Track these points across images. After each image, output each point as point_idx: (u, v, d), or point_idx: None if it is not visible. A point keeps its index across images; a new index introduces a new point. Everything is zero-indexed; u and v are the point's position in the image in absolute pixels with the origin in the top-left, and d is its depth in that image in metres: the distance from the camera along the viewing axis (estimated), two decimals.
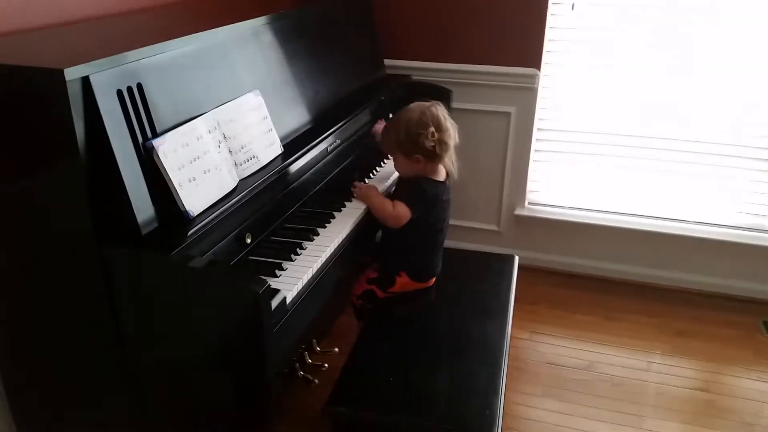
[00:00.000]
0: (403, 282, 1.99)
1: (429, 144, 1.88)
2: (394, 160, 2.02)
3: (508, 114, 2.84)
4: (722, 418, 2.19)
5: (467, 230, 3.01)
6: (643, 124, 2.77)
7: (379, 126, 2.20)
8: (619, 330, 2.64)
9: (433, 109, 1.92)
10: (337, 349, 2.17)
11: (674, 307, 2.78)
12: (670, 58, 2.64)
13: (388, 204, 1.91)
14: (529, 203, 3.03)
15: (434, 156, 1.91)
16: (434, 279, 2.08)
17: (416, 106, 1.95)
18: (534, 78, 2.75)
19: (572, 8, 2.68)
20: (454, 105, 2.65)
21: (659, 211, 2.87)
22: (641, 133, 2.78)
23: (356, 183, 1.98)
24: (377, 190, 1.98)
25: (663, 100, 2.70)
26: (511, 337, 1.91)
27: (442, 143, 1.90)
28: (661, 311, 2.75)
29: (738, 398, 2.28)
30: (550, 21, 2.71)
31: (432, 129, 1.87)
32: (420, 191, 1.92)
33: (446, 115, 1.93)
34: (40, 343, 1.55)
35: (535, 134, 2.89)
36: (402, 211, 1.90)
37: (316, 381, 2.05)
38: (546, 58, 2.77)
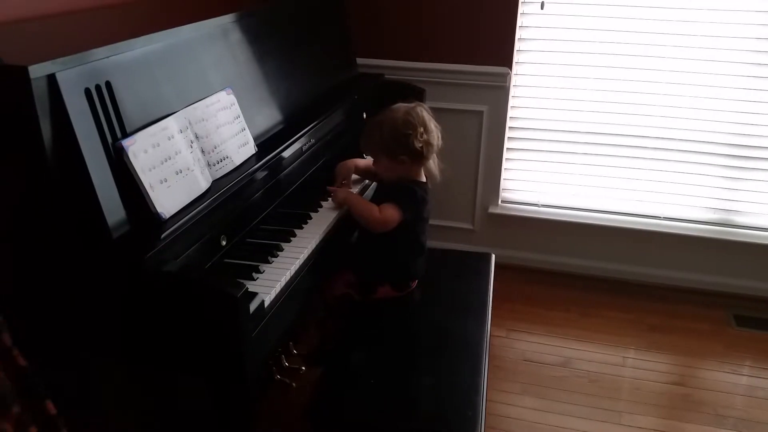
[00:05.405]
0: (385, 291, 1.96)
1: (417, 145, 1.82)
2: (375, 163, 1.95)
3: (480, 113, 2.84)
4: (697, 411, 2.21)
5: (442, 229, 3.00)
6: (613, 123, 2.79)
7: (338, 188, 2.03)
8: (594, 326, 2.66)
9: (418, 109, 1.87)
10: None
11: (647, 302, 2.81)
12: (639, 57, 2.66)
13: (373, 208, 1.82)
14: (503, 201, 3.03)
15: (420, 157, 1.86)
16: (416, 281, 2.04)
17: (400, 106, 1.89)
18: (506, 77, 2.76)
19: (542, 7, 2.69)
20: (428, 104, 2.62)
21: (630, 208, 2.90)
22: (611, 131, 2.80)
23: (332, 188, 1.92)
24: (357, 194, 1.93)
25: (633, 99, 2.73)
26: (490, 335, 1.90)
27: (429, 145, 1.85)
28: (635, 307, 2.78)
29: (711, 391, 2.31)
30: (521, 20, 2.72)
31: (421, 129, 1.82)
32: (410, 192, 1.86)
33: (431, 116, 1.89)
34: None
35: (508, 132, 2.90)
36: (390, 215, 1.81)
37: (294, 384, 2.01)
38: (517, 57, 2.78)
